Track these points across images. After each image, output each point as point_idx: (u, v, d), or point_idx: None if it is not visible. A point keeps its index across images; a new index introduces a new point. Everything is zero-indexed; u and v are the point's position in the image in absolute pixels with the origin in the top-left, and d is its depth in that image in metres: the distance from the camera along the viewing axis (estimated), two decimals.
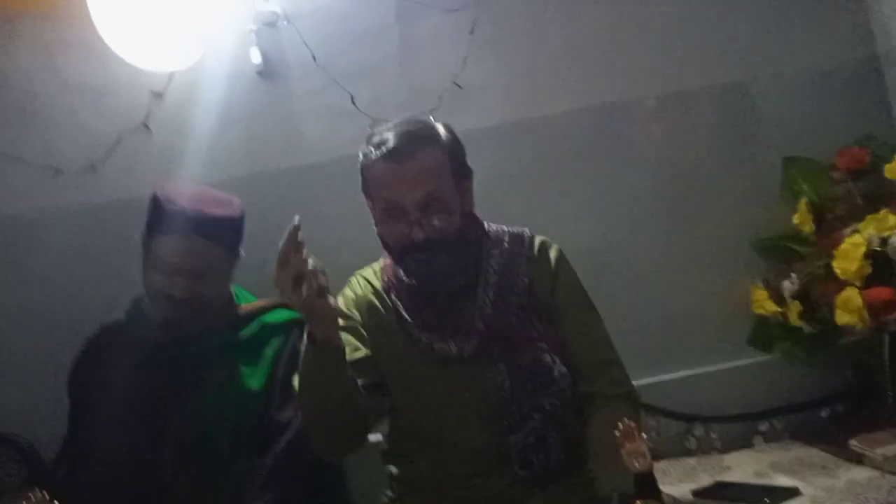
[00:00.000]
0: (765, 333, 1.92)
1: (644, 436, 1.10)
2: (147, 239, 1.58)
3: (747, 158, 2.01)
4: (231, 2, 1.97)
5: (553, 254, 1.50)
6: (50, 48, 2.02)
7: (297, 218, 1.17)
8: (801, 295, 1.79)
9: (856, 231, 1.71)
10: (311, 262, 1.18)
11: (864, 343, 1.74)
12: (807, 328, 1.80)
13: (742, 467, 1.72)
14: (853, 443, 1.60)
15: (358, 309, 1.48)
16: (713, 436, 1.88)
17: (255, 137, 2.01)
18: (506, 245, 1.48)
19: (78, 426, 1.66)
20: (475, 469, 1.39)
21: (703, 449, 1.88)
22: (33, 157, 2.00)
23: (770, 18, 2.03)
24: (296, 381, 1.33)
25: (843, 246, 1.69)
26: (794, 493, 1.49)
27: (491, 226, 1.51)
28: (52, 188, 2.00)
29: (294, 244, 1.16)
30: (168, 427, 1.57)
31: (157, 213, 1.56)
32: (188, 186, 1.65)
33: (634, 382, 1.48)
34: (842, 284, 1.68)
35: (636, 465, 1.08)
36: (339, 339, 1.27)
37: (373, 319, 1.47)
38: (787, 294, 1.82)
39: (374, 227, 1.42)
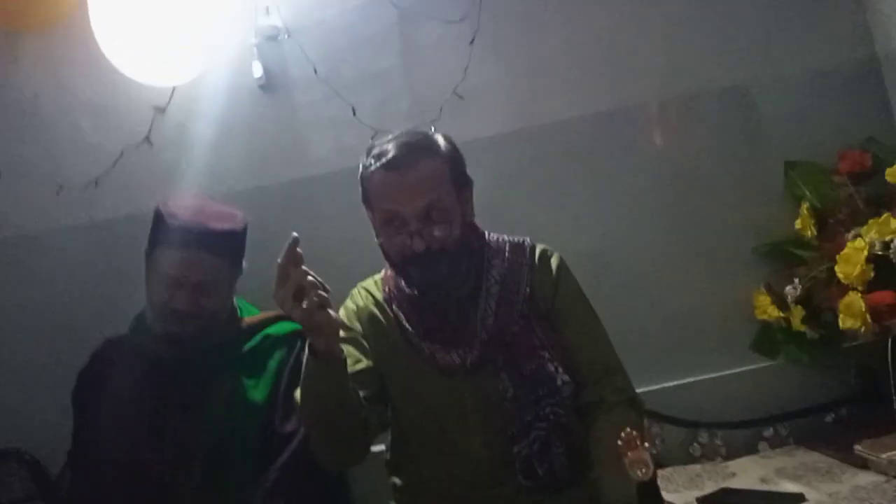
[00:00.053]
0: (768, 339, 1.91)
1: (646, 444, 1.10)
2: (150, 252, 1.59)
3: (749, 162, 2.01)
4: (232, 16, 1.98)
5: (554, 262, 1.51)
6: (53, 65, 2.04)
7: (295, 232, 1.17)
8: (804, 300, 1.79)
9: (858, 235, 1.71)
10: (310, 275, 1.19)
11: (868, 347, 1.74)
12: (810, 333, 1.80)
13: (747, 473, 1.72)
14: (858, 448, 1.59)
15: (360, 320, 1.49)
16: (718, 442, 1.88)
17: (257, 150, 2.03)
18: (507, 254, 1.48)
19: (83, 439, 1.66)
20: (479, 478, 1.39)
21: (708, 455, 1.87)
22: (37, 172, 2.02)
23: (770, 21, 2.03)
24: (298, 392, 1.33)
25: (845, 250, 1.69)
26: (799, 498, 1.48)
27: (492, 235, 1.52)
28: (56, 203, 2.02)
29: (293, 258, 1.17)
30: (173, 439, 1.57)
31: (160, 227, 1.57)
32: (191, 200, 1.66)
33: (638, 389, 1.48)
34: (844, 289, 1.68)
35: (639, 473, 1.08)
36: (341, 350, 1.27)
37: (375, 330, 1.47)
38: (789, 299, 1.82)
39: (376, 239, 1.43)
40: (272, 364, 1.63)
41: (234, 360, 1.64)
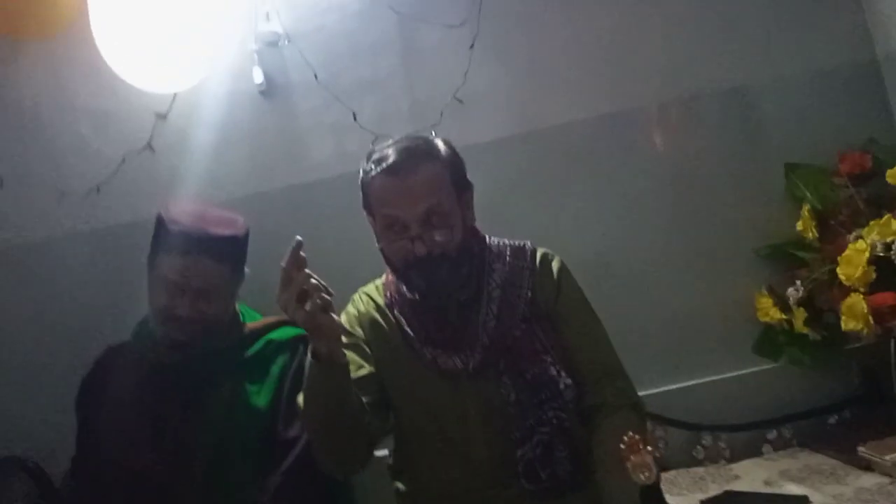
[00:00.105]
0: (771, 341, 1.91)
1: (649, 448, 1.10)
2: (152, 259, 1.59)
3: (749, 164, 2.00)
4: (233, 23, 1.99)
5: (555, 265, 1.51)
6: (55, 72, 2.05)
7: (298, 236, 1.18)
8: (806, 302, 1.79)
9: (859, 237, 1.71)
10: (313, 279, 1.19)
11: (871, 349, 1.74)
12: (812, 335, 1.80)
13: (751, 476, 1.72)
14: (862, 449, 1.59)
15: (361, 326, 1.49)
16: (721, 445, 1.88)
17: (258, 156, 2.03)
18: (508, 258, 1.48)
19: (86, 445, 1.66)
20: (482, 483, 1.39)
21: (712, 458, 1.87)
22: (39, 179, 2.03)
23: (770, 22, 2.03)
24: (300, 397, 1.33)
25: (846, 252, 1.69)
26: (803, 501, 1.48)
27: (493, 239, 1.52)
28: (57, 210, 2.03)
29: (297, 261, 1.17)
30: (176, 445, 1.57)
31: (162, 233, 1.57)
32: (192, 206, 1.66)
33: (641, 392, 1.48)
34: (846, 290, 1.68)
35: (642, 477, 1.08)
36: (343, 355, 1.27)
37: (376, 335, 1.47)
38: (792, 301, 1.81)
39: (377, 244, 1.43)
40: (275, 369, 1.63)
41: (237, 365, 1.63)
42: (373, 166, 1.39)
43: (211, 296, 1.57)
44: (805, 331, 1.80)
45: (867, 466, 1.57)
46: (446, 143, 1.45)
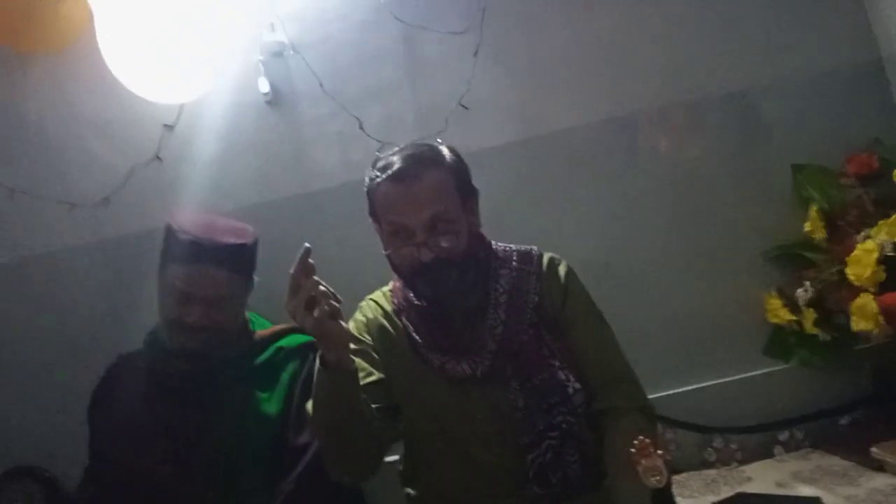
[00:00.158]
0: (781, 342, 1.90)
1: (660, 452, 1.09)
2: (162, 268, 1.60)
3: (756, 166, 2.00)
4: (238, 33, 2.00)
5: (562, 270, 1.51)
6: (62, 85, 2.06)
7: (307, 243, 1.18)
8: (816, 302, 1.79)
9: (868, 237, 1.71)
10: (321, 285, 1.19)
11: (882, 349, 1.72)
12: (823, 336, 1.79)
13: (763, 478, 1.71)
14: (874, 450, 1.58)
15: (369, 332, 1.49)
16: (733, 447, 1.87)
17: (265, 165, 2.04)
18: (514, 263, 1.48)
19: (98, 454, 1.67)
20: (493, 488, 1.39)
21: (723, 460, 1.86)
22: (48, 192, 2.04)
23: (772, 23, 2.03)
24: (310, 404, 1.33)
25: (855, 252, 1.69)
26: (816, 502, 1.48)
27: (499, 244, 1.52)
28: (67, 222, 2.04)
29: (305, 268, 1.17)
30: (187, 453, 1.58)
31: (171, 243, 1.58)
32: (201, 216, 1.67)
33: (651, 395, 1.48)
34: (856, 291, 1.68)
35: (653, 481, 1.08)
36: (352, 362, 1.27)
37: (385, 342, 1.48)
38: (801, 302, 1.81)
39: (383, 251, 1.43)
40: (285, 376, 1.64)
41: (247, 373, 1.64)
42: (378, 173, 1.39)
43: (220, 304, 1.58)
44: (815, 332, 1.79)
45: (880, 467, 1.56)
46: (451, 149, 1.45)
